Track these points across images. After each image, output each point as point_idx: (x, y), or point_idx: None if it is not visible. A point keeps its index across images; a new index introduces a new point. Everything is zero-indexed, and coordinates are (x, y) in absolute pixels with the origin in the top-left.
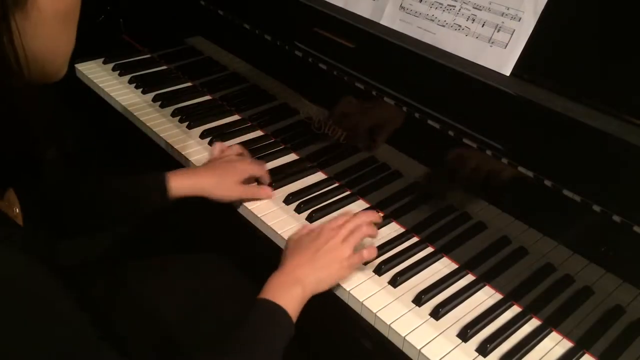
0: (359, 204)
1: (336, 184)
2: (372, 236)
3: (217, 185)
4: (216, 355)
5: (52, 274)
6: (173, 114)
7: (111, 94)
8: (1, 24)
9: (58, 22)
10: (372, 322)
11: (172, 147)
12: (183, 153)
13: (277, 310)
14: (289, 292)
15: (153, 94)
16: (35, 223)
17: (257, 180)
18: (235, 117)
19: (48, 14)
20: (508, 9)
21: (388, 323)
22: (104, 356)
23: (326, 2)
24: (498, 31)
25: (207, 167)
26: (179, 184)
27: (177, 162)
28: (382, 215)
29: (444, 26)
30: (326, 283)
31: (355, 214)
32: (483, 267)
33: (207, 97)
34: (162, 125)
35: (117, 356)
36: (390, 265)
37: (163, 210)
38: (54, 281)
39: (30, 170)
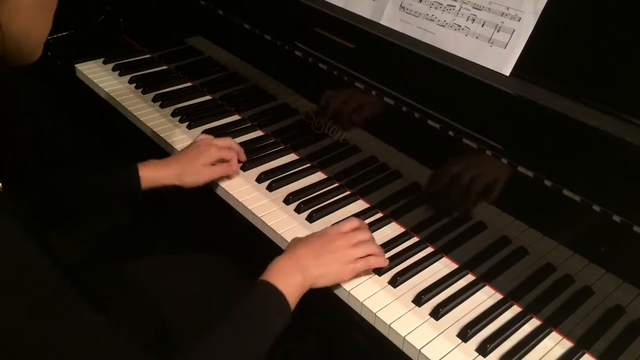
0: (359, 204)
1: (336, 184)
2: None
3: (184, 172)
4: (208, 331)
5: (36, 240)
6: (173, 114)
7: (111, 94)
8: None
9: (35, 9)
10: (372, 322)
11: (172, 147)
12: None
13: (275, 293)
14: (290, 277)
15: (153, 93)
16: (16, 194)
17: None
18: (235, 117)
19: (26, 1)
20: (508, 9)
21: (388, 323)
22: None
23: (326, 2)
24: (498, 31)
25: (176, 155)
26: (148, 176)
27: None
28: (382, 215)
29: (443, 26)
30: (327, 279)
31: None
32: (483, 267)
33: (207, 97)
34: (162, 125)
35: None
36: (390, 265)
37: (135, 202)
38: (39, 249)
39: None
